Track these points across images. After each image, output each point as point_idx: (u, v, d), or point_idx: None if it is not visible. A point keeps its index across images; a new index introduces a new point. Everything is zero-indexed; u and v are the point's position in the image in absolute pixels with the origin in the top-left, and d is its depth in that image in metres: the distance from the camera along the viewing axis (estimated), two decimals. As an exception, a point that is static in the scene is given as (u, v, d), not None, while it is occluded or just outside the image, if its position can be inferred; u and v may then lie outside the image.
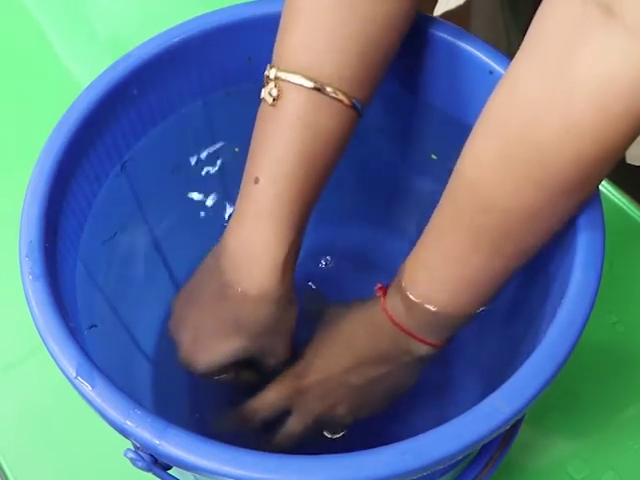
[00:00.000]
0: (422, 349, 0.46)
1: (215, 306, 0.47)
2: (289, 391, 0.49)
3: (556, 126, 0.36)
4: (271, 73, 0.45)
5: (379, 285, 0.47)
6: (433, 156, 0.56)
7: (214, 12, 0.50)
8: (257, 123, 0.46)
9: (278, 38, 0.46)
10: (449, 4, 0.85)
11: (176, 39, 0.49)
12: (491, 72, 0.47)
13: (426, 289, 0.44)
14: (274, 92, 0.44)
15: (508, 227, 0.40)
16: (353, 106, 0.45)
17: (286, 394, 0.49)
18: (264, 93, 0.45)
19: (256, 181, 0.45)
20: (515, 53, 0.39)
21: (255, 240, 0.45)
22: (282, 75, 0.44)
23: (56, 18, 0.83)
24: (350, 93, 0.45)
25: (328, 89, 0.44)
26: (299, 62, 0.44)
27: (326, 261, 0.65)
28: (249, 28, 0.49)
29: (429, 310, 0.44)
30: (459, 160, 0.42)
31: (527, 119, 0.37)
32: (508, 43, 0.74)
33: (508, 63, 0.46)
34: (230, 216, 0.48)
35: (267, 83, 0.45)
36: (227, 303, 0.47)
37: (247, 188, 0.46)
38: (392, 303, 0.46)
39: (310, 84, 0.44)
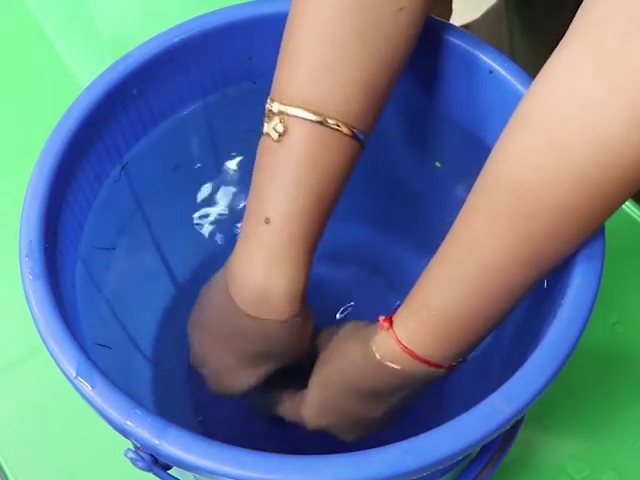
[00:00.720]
0: (439, 372, 0.44)
1: (236, 343, 0.47)
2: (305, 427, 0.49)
3: (619, 118, 0.33)
4: (274, 107, 0.44)
5: (382, 317, 0.45)
6: (437, 164, 0.55)
7: (214, 12, 0.50)
8: (261, 159, 0.45)
9: (280, 70, 0.45)
10: (465, 18, 0.85)
11: (176, 39, 0.49)
12: (491, 72, 0.47)
13: (453, 308, 0.41)
14: (279, 128, 0.43)
15: (554, 232, 0.38)
16: (357, 138, 0.44)
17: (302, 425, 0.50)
18: (268, 128, 0.44)
19: (267, 221, 0.44)
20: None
21: (272, 283, 0.44)
22: (287, 110, 0.43)
23: (56, 18, 0.83)
24: (355, 126, 0.44)
25: (334, 123, 0.43)
26: (305, 96, 0.43)
27: (328, 264, 0.65)
28: (249, 28, 0.49)
29: (454, 331, 0.42)
30: (493, 160, 0.39)
31: (584, 110, 0.34)
32: (510, 43, 0.74)
33: (509, 63, 0.47)
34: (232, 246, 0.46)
35: (270, 117, 0.44)
36: (249, 340, 0.47)
37: (255, 228, 0.44)
38: (406, 332, 0.43)
39: (317, 119, 0.43)
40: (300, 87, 0.43)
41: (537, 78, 0.37)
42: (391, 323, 0.44)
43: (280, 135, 0.43)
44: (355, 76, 0.43)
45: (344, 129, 0.43)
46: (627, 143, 0.34)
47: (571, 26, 0.36)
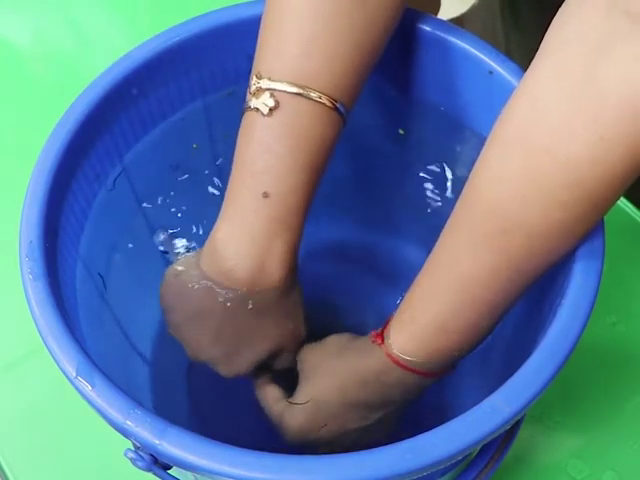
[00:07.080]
0: (431, 380, 0.45)
1: (234, 322, 0.47)
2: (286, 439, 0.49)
3: (585, 138, 0.34)
4: (262, 83, 0.44)
5: (374, 332, 0.46)
6: (435, 164, 0.55)
7: (213, 12, 0.50)
8: (249, 133, 0.45)
9: (266, 47, 0.45)
10: (454, 12, 0.85)
11: (176, 39, 0.49)
12: (491, 72, 0.47)
13: (442, 321, 0.42)
14: (270, 102, 0.43)
15: (531, 248, 0.39)
16: (339, 112, 0.44)
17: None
18: (257, 103, 0.44)
19: (265, 195, 0.44)
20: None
21: (272, 252, 0.44)
22: (278, 86, 0.43)
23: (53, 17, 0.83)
24: (340, 100, 0.44)
25: (325, 100, 0.43)
26: (296, 72, 0.43)
27: (324, 262, 0.65)
28: (248, 28, 0.49)
29: (444, 342, 0.43)
30: (473, 176, 0.40)
31: (552, 131, 0.35)
32: (506, 43, 0.74)
33: (508, 63, 0.47)
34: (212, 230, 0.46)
35: (258, 93, 0.44)
36: (248, 317, 0.46)
37: (252, 203, 0.44)
38: (397, 345, 0.44)
39: (306, 93, 0.43)
40: (290, 63, 0.43)
41: (510, 100, 0.38)
42: (382, 338, 0.45)
43: (271, 110, 0.43)
44: (345, 52, 0.44)
45: (327, 102, 0.44)
46: (593, 163, 0.35)
47: (541, 45, 0.37)
